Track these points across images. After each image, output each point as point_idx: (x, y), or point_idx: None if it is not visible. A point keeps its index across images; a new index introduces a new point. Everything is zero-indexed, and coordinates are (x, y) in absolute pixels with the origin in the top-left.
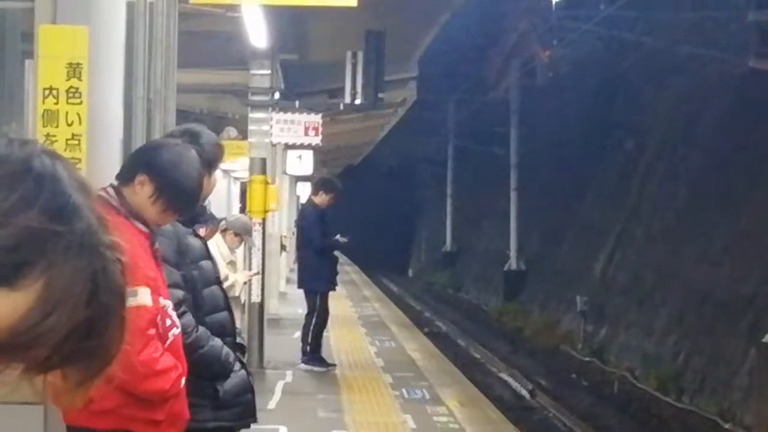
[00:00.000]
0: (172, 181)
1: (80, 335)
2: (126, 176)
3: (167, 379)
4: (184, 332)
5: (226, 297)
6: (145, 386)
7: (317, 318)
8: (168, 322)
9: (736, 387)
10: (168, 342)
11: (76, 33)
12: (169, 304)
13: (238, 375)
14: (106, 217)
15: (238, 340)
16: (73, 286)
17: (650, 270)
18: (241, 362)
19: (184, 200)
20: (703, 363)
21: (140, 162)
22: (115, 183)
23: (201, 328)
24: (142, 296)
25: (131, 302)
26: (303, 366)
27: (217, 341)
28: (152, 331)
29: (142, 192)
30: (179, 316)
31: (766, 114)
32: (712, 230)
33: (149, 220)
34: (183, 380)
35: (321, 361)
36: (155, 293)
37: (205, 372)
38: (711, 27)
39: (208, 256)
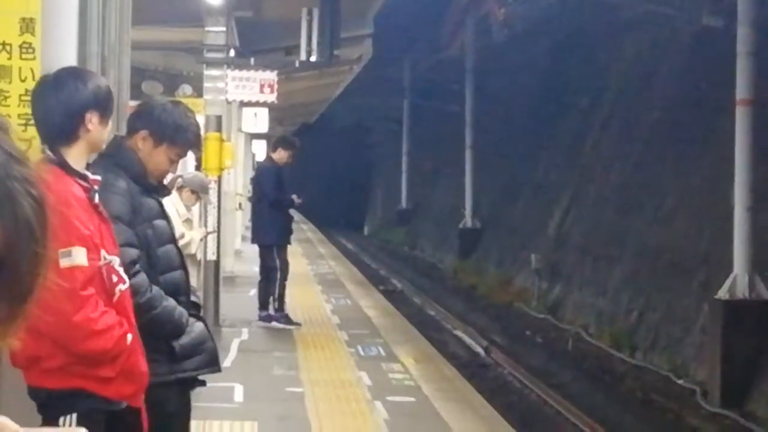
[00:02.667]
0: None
1: None
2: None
3: (109, 338)
4: (138, 292)
5: (181, 256)
6: (85, 346)
7: (281, 273)
8: (114, 278)
9: (688, 344)
10: (115, 297)
11: None
12: (115, 260)
13: (195, 327)
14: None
15: (193, 298)
16: None
17: (604, 228)
18: (198, 315)
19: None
20: (656, 320)
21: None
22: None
23: (155, 288)
24: (76, 256)
25: (65, 263)
26: (276, 324)
27: (170, 302)
28: (90, 291)
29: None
30: (133, 275)
31: (718, 72)
32: (666, 188)
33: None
34: (129, 336)
35: (288, 320)
36: (94, 251)
37: (157, 332)
38: None
39: (163, 215)
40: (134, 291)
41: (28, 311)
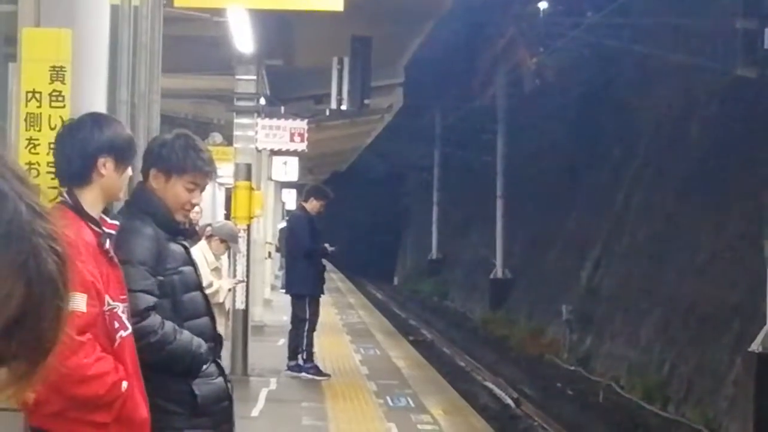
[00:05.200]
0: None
1: (20, 327)
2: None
3: (102, 383)
4: (150, 332)
5: (207, 303)
6: (77, 391)
7: (309, 324)
8: (116, 324)
9: (721, 396)
10: (116, 344)
11: (60, 36)
12: (119, 306)
13: (215, 383)
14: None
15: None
16: (0, 275)
17: (636, 279)
18: (220, 368)
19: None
20: (689, 372)
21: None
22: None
23: (168, 325)
24: (75, 301)
25: None
26: (305, 375)
27: (185, 334)
28: (87, 337)
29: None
30: (144, 318)
31: (752, 122)
32: (698, 239)
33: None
34: (125, 384)
35: (318, 370)
36: (95, 297)
37: (176, 367)
38: (698, 34)
39: (190, 261)
40: (146, 332)
41: (48, 366)
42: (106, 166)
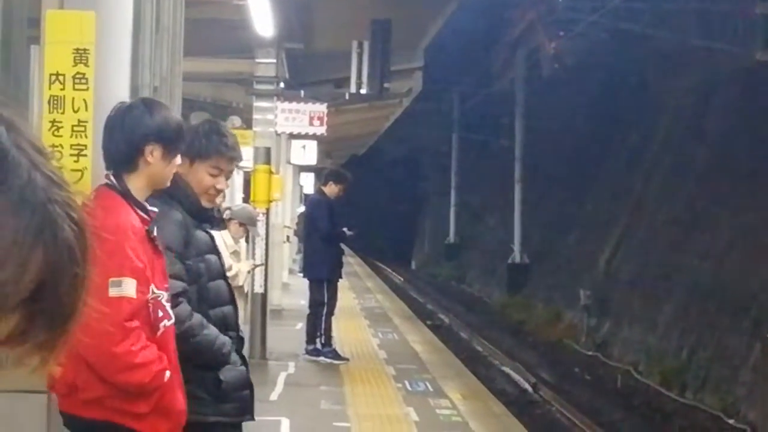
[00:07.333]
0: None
1: (39, 295)
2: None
3: (147, 372)
4: (177, 321)
5: (231, 291)
6: (123, 378)
7: (327, 308)
8: (160, 313)
9: (739, 382)
10: (159, 333)
11: (83, 18)
12: (163, 295)
13: (238, 370)
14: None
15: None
16: (16, 243)
17: (654, 264)
18: (242, 357)
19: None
20: (707, 358)
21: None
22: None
23: (196, 318)
24: (125, 287)
25: (114, 292)
26: (323, 359)
27: (211, 330)
28: (135, 323)
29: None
30: (175, 305)
31: None
32: (717, 225)
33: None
34: (167, 373)
35: (336, 354)
36: (144, 284)
37: (197, 360)
38: (718, 19)
39: (215, 249)
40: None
41: (70, 336)
42: (153, 154)
